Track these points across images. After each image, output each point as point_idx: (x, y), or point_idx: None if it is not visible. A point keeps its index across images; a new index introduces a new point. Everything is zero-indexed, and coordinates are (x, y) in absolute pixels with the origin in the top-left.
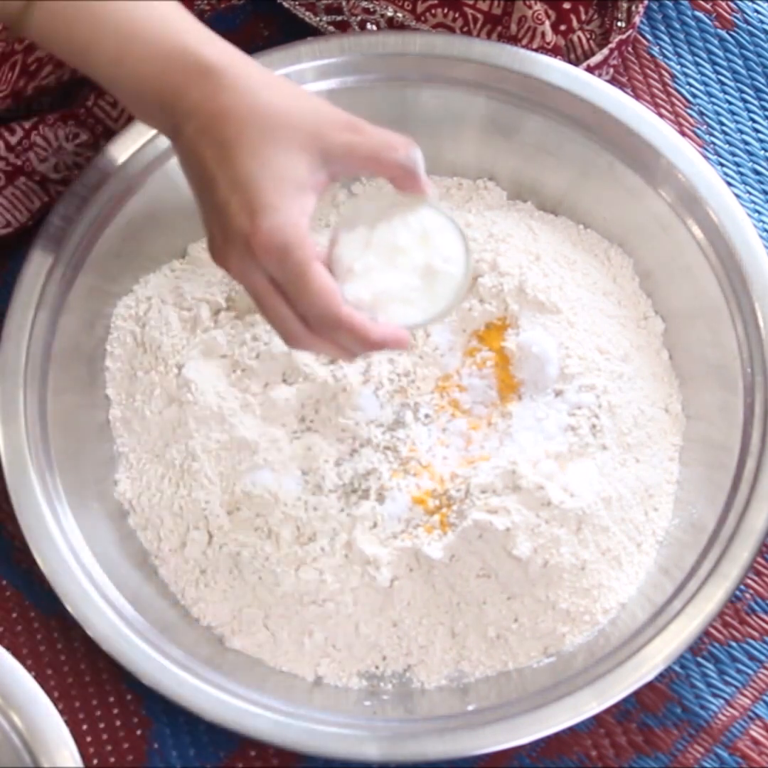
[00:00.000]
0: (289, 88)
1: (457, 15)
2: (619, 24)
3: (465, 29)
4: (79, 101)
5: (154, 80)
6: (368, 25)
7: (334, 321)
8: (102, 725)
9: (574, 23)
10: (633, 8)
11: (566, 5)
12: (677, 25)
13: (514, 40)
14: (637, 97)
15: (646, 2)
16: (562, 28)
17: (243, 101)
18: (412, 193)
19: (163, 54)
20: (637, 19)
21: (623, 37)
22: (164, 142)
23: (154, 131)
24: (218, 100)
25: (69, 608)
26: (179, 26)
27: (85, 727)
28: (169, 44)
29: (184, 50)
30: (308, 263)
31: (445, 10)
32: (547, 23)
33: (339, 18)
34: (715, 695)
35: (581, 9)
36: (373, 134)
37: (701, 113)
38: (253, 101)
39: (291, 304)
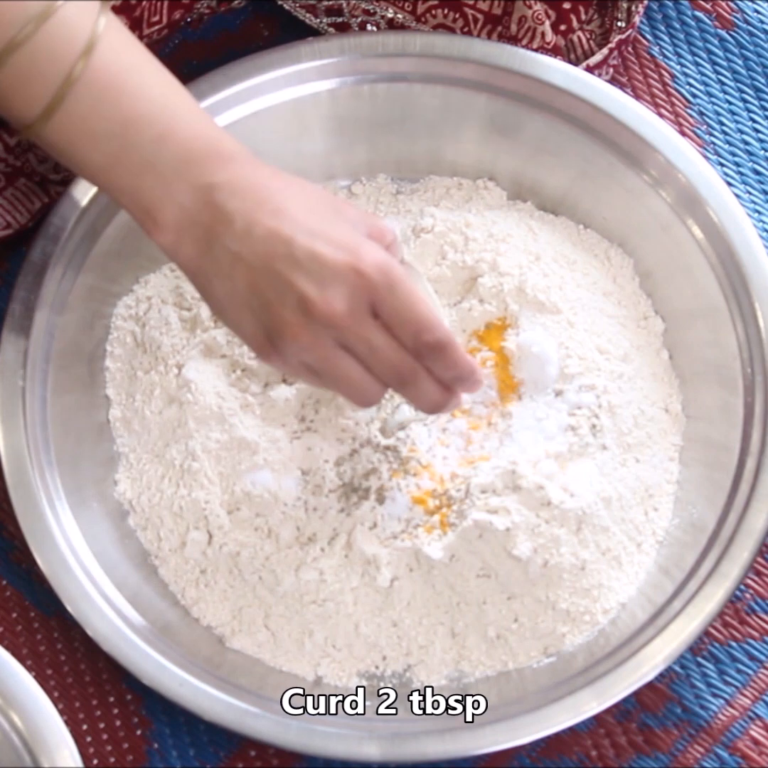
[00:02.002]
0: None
1: (457, 15)
2: (619, 24)
3: (465, 29)
4: None
5: (195, 159)
6: (368, 27)
7: (444, 335)
8: (102, 725)
9: (574, 23)
10: (633, 8)
11: (566, 5)
12: (677, 25)
13: (514, 40)
14: (637, 97)
15: (646, 2)
16: (562, 28)
17: (275, 174)
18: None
19: (201, 137)
20: (637, 19)
21: (623, 37)
22: None
23: None
24: (256, 175)
25: (69, 608)
26: (208, 120)
27: (85, 727)
28: (205, 132)
29: (217, 136)
30: (410, 282)
31: (446, 11)
32: (547, 23)
33: (339, 19)
34: (715, 695)
35: (581, 9)
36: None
37: (701, 113)
38: (283, 173)
39: (398, 331)
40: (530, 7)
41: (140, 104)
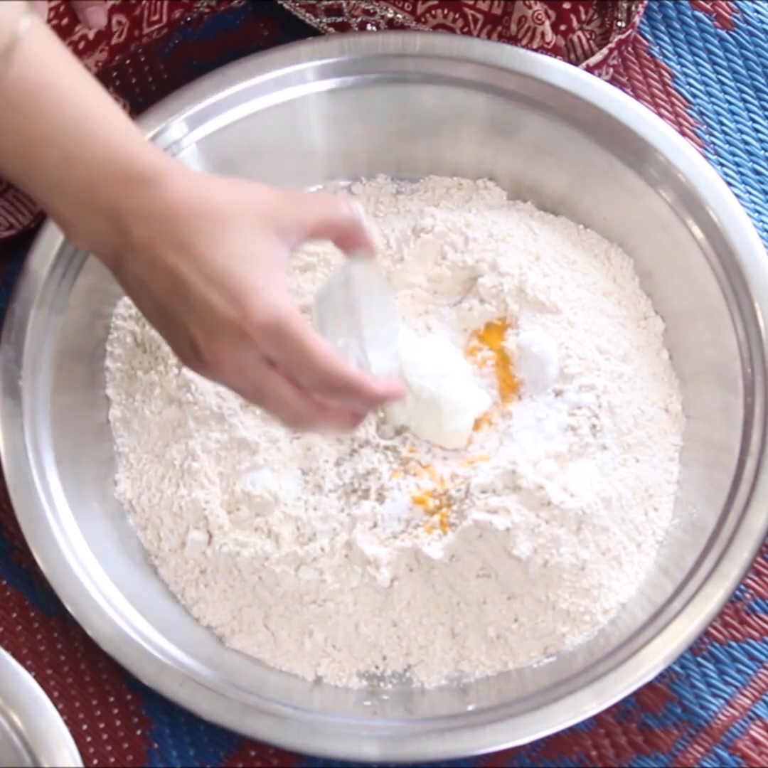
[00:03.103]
0: (226, 181)
1: (457, 16)
2: (619, 24)
3: (465, 30)
4: None
5: (101, 184)
6: (368, 27)
7: (343, 382)
8: (102, 725)
9: (574, 23)
10: (633, 8)
11: (566, 5)
12: (677, 25)
13: (514, 40)
14: (637, 97)
15: (646, 2)
16: (562, 28)
17: (189, 199)
18: (360, 248)
19: (107, 163)
20: (637, 19)
21: (623, 37)
22: (163, 140)
23: (154, 131)
24: (165, 201)
25: (69, 608)
26: (126, 136)
27: (85, 727)
28: (111, 153)
29: (126, 159)
30: (306, 333)
31: (445, 11)
32: (547, 23)
33: (339, 19)
34: (715, 695)
35: (581, 9)
36: (314, 200)
37: (701, 113)
38: (198, 197)
39: (294, 380)
40: (530, 7)
41: (51, 122)
